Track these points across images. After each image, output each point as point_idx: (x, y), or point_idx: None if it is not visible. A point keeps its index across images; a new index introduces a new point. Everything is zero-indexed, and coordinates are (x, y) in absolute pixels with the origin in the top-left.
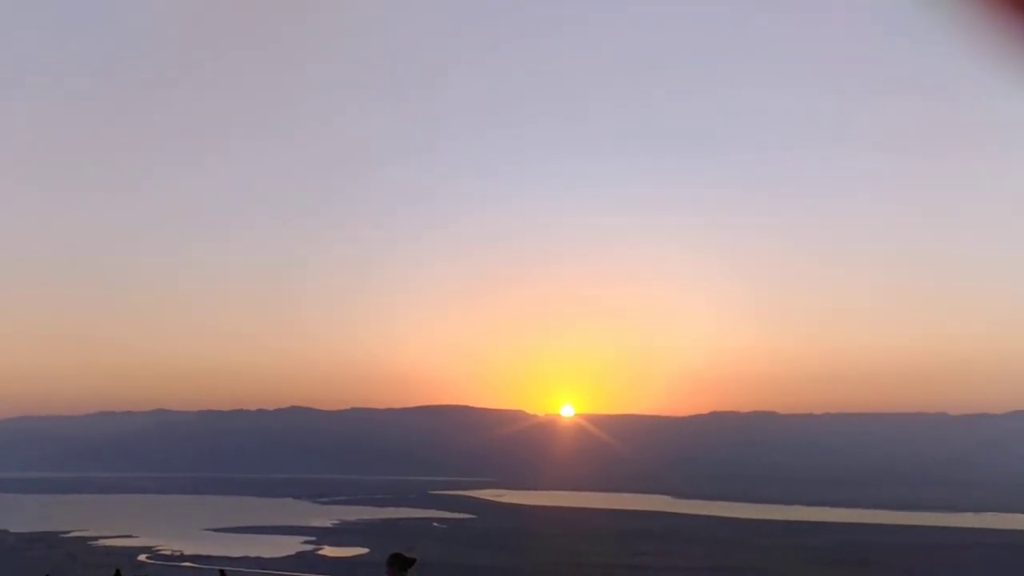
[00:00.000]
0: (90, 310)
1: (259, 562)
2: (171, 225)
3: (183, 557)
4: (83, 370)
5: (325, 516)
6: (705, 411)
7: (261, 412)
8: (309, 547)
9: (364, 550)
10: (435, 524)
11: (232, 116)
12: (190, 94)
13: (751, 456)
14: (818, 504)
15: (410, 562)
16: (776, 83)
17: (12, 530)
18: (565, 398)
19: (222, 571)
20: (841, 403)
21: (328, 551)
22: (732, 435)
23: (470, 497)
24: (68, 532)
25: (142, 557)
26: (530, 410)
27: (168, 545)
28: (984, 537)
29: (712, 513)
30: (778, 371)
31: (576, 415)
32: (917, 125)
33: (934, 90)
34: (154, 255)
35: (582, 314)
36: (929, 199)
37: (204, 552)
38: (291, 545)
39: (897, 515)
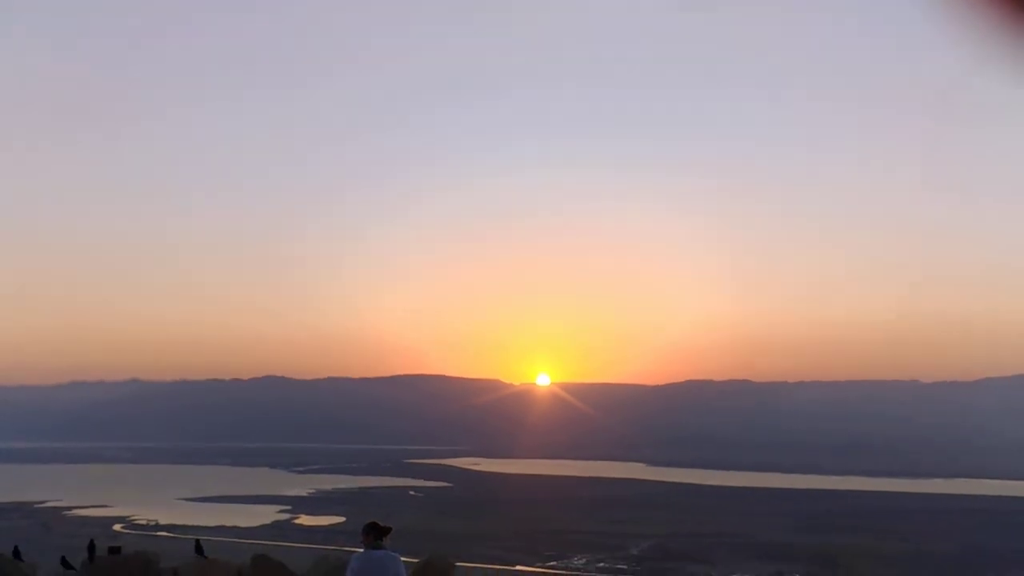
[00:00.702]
0: (62, 279)
1: (235, 531)
2: (145, 194)
3: (158, 527)
4: (56, 339)
5: (301, 485)
6: (681, 379)
7: (236, 382)
8: (285, 516)
9: (340, 519)
10: (411, 492)
11: (207, 90)
12: (161, 67)
13: (726, 424)
14: (792, 471)
15: (386, 530)
16: (756, 57)
17: None
18: (541, 367)
19: (198, 540)
20: (815, 372)
21: (304, 520)
22: (707, 403)
23: (446, 465)
24: (42, 502)
25: (117, 527)
26: (506, 379)
27: (143, 515)
28: (956, 502)
29: (688, 480)
30: (753, 340)
31: (552, 384)
32: (886, 97)
33: (922, 69)
34: (128, 224)
35: (558, 284)
36: (902, 170)
37: (179, 522)
38: (267, 514)
39: (869, 481)
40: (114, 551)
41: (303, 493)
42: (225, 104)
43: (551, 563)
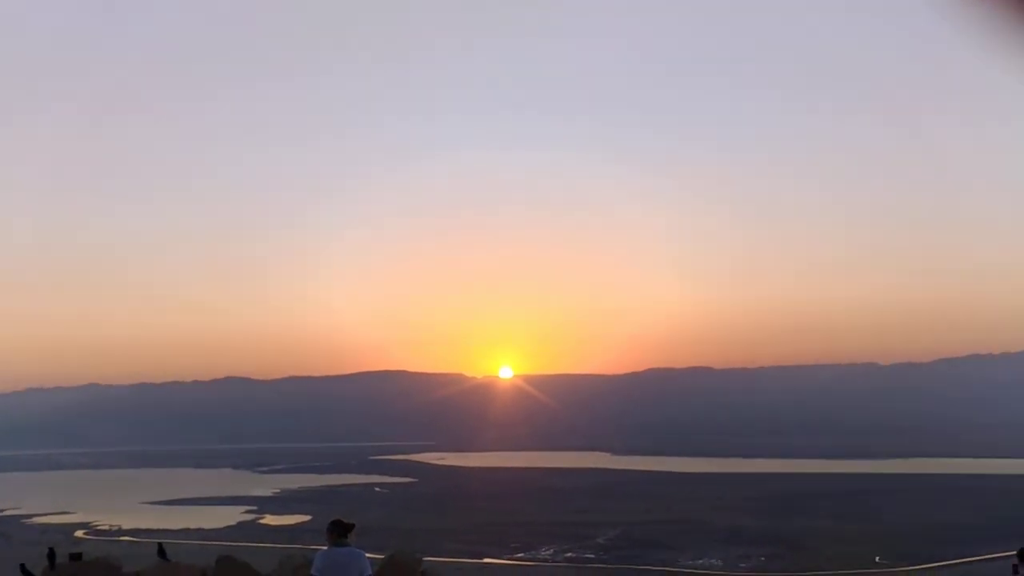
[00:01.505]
0: (16, 285)
1: (200, 533)
2: (102, 197)
3: (121, 532)
4: (11, 345)
5: (266, 485)
6: (642, 368)
7: (196, 384)
8: (250, 516)
9: (306, 517)
10: (377, 489)
11: (170, 88)
12: (120, 65)
13: (688, 411)
14: (754, 456)
15: (349, 527)
16: (728, 36)
17: None
18: (503, 360)
19: (160, 544)
20: (774, 357)
21: (270, 519)
22: (669, 391)
23: (411, 461)
24: (1, 511)
25: (79, 533)
26: (468, 372)
27: (106, 520)
28: (914, 481)
29: (651, 468)
30: (712, 327)
31: (514, 376)
32: (844, 86)
33: (908, 60)
34: (83, 226)
35: (518, 277)
36: (863, 156)
37: (143, 526)
38: (232, 515)
39: (830, 463)
40: (75, 558)
41: (268, 493)
42: (182, 104)
43: (519, 555)
